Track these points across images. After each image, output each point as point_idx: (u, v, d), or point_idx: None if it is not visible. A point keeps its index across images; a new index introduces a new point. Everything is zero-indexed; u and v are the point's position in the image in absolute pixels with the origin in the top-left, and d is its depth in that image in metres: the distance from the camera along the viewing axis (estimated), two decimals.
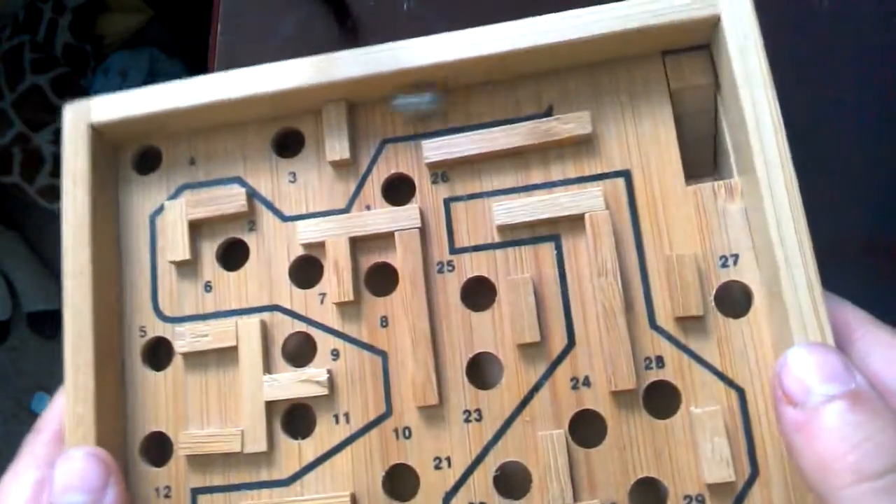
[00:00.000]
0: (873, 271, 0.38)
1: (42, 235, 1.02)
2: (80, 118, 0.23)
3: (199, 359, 0.23)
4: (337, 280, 0.22)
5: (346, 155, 0.23)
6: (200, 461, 0.22)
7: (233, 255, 0.24)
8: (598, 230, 0.21)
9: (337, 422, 0.22)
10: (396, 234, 0.22)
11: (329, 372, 0.22)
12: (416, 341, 0.22)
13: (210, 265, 0.23)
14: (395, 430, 0.22)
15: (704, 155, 0.23)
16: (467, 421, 0.21)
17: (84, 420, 0.21)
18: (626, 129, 0.22)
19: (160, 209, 0.24)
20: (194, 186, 0.24)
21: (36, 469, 0.21)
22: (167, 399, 0.23)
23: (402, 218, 0.22)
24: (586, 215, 0.21)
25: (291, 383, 0.22)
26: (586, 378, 0.21)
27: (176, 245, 0.23)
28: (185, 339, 0.23)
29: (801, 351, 0.18)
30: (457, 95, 0.23)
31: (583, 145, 0.22)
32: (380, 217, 0.22)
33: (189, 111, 0.23)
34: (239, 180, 0.24)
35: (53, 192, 0.95)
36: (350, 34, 0.37)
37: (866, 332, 0.19)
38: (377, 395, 0.22)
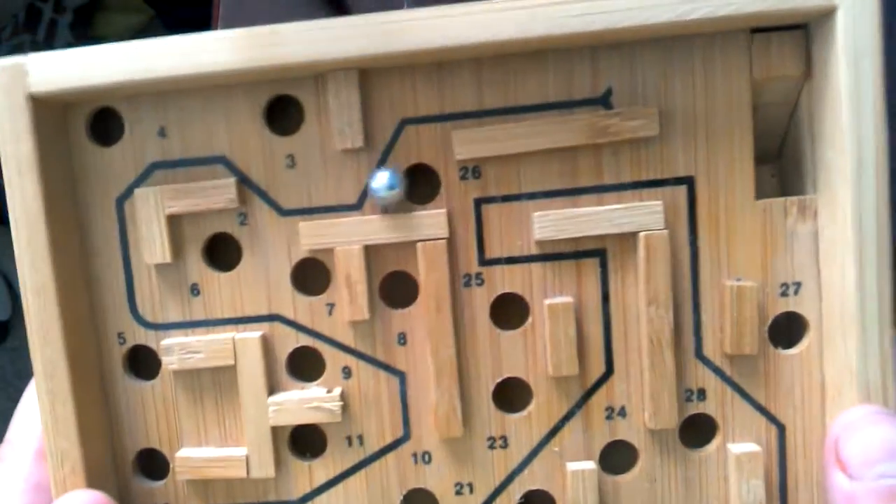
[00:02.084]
0: None
1: None
2: (15, 86, 0.18)
3: (190, 374, 0.21)
4: (349, 295, 0.20)
5: (359, 143, 0.19)
6: (199, 484, 0.21)
7: (222, 253, 0.21)
8: (653, 253, 0.19)
9: (350, 444, 0.20)
10: (419, 245, 0.19)
11: (342, 394, 0.20)
12: (439, 369, 0.20)
13: (196, 265, 0.20)
14: (414, 455, 0.20)
15: (767, 147, 0.20)
16: (492, 447, 0.20)
17: (69, 454, 0.19)
18: (697, 128, 0.19)
19: (128, 193, 0.20)
20: (168, 166, 0.20)
21: (22, 494, 0.19)
22: (157, 414, 0.21)
23: (427, 225, 0.19)
24: (641, 235, 0.19)
25: (300, 409, 0.20)
26: (622, 408, 0.20)
27: (154, 244, 0.20)
28: (173, 354, 0.20)
29: (867, 419, 0.17)
30: (495, 68, 0.19)
31: (644, 143, 0.19)
32: (400, 221, 0.19)
33: (156, 82, 0.19)
34: (223, 161, 0.20)
35: None
36: None
37: None
38: (394, 418, 0.20)
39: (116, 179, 0.20)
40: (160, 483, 0.21)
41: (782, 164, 0.20)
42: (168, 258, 0.20)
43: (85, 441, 0.19)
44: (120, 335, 0.20)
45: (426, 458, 0.20)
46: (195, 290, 0.20)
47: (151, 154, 0.20)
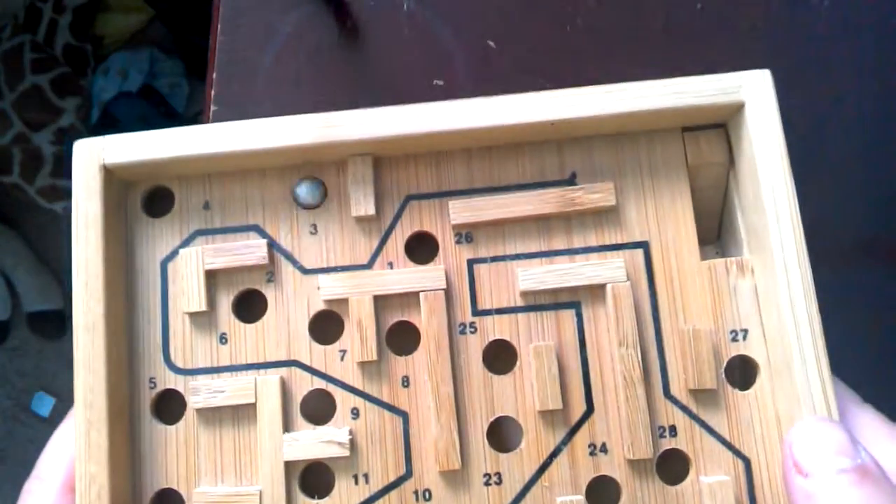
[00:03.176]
0: (873, 271, 0.38)
1: (42, 235, 1.02)
2: (92, 158, 0.22)
3: (213, 414, 0.22)
4: (360, 338, 0.22)
5: (372, 211, 0.23)
6: None
7: (249, 306, 0.23)
8: (619, 301, 0.22)
9: (356, 482, 0.22)
10: (422, 294, 0.22)
11: (350, 432, 0.22)
12: (440, 405, 0.22)
13: (226, 316, 0.23)
14: (416, 492, 0.22)
15: (709, 228, 0.24)
16: (487, 484, 0.22)
17: (97, 478, 0.21)
18: (646, 202, 0.23)
19: (173, 255, 0.23)
20: (209, 233, 0.23)
21: None
22: (178, 454, 0.22)
23: (428, 279, 0.22)
24: (608, 286, 0.22)
25: (313, 443, 0.22)
26: (603, 445, 0.22)
27: (192, 295, 0.23)
28: (200, 394, 0.22)
29: (814, 424, 0.19)
30: (482, 157, 0.23)
31: (605, 214, 0.23)
32: (405, 276, 0.22)
33: (206, 156, 0.22)
34: (257, 228, 0.23)
35: (53, 192, 0.95)
36: (350, 34, 0.37)
37: (852, 412, 0.21)
38: (397, 456, 0.22)
39: (164, 245, 0.23)
40: None
41: (722, 241, 0.24)
42: (203, 307, 0.22)
43: (113, 472, 0.21)
44: (151, 380, 0.22)
45: (427, 495, 0.22)
46: (223, 338, 0.23)
47: (196, 223, 0.23)
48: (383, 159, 0.23)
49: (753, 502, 0.21)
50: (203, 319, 0.23)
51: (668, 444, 0.22)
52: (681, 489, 0.21)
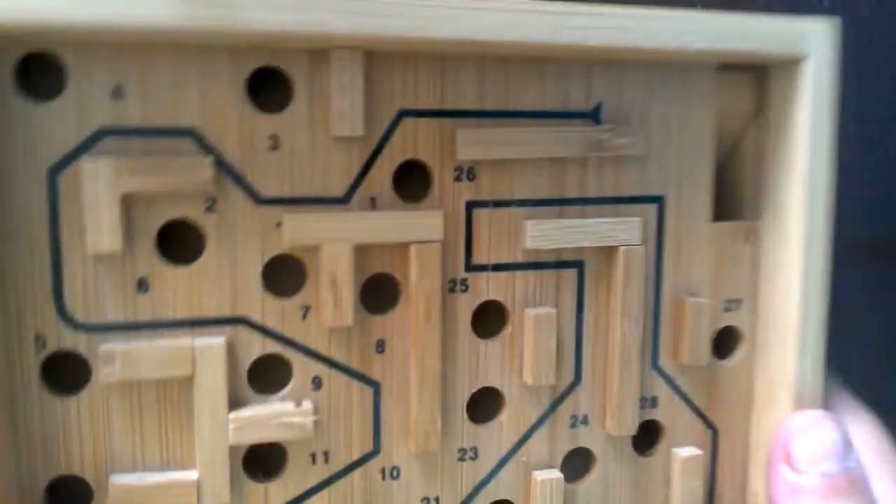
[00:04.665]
0: (873, 271, 0.38)
1: None
2: None
3: (132, 386, 0.17)
4: (333, 300, 0.17)
5: (359, 131, 0.17)
6: None
7: (179, 243, 0.17)
8: (631, 268, 0.19)
9: (314, 462, 0.18)
10: (413, 248, 0.18)
11: (315, 410, 0.18)
12: (423, 380, 0.18)
13: (147, 255, 0.17)
14: (382, 470, 0.19)
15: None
16: (462, 460, 0.19)
17: None
18: (669, 150, 0.20)
19: (67, 162, 0.16)
20: (121, 133, 0.16)
21: None
22: (82, 434, 0.17)
23: (423, 226, 0.18)
24: (620, 249, 0.19)
25: (267, 425, 0.17)
26: (585, 417, 0.20)
27: (98, 229, 0.16)
28: (115, 364, 0.16)
29: (813, 420, 0.19)
30: (497, 70, 0.19)
31: (626, 161, 0.20)
32: (393, 221, 0.18)
33: (123, 26, 0.15)
34: (192, 133, 0.17)
35: None
36: None
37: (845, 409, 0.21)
38: (364, 431, 0.19)
39: (52, 144, 0.16)
40: None
41: (715, 190, 0.22)
42: (117, 246, 0.16)
43: None
44: (39, 338, 0.16)
45: (394, 472, 0.19)
46: (143, 285, 0.17)
47: (101, 117, 0.16)
48: (376, 57, 0.17)
49: (713, 473, 0.21)
50: (113, 260, 0.17)
51: (648, 414, 0.21)
52: (652, 460, 0.21)
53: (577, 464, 0.20)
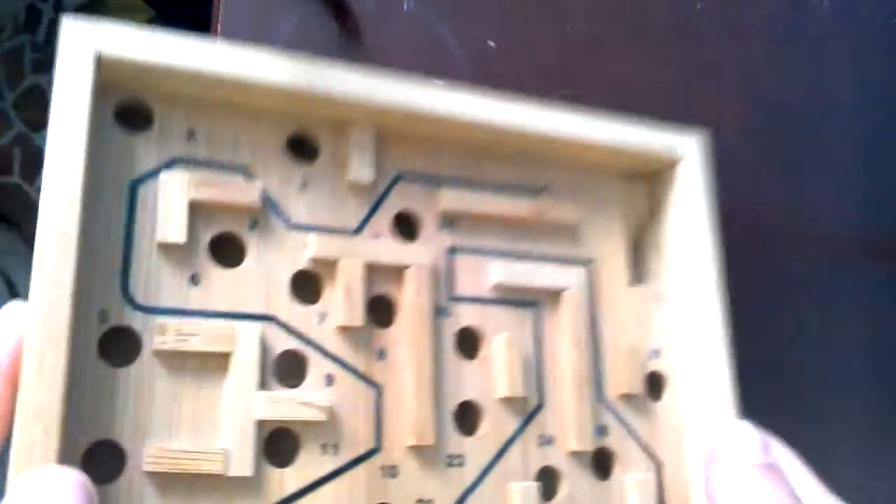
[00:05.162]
0: (873, 271, 0.38)
1: None
2: (86, 42, 0.19)
3: (176, 360, 0.19)
4: (348, 303, 0.21)
5: (370, 177, 0.22)
6: (162, 482, 0.19)
7: (224, 251, 0.21)
8: (575, 305, 0.24)
9: (324, 452, 0.20)
10: (411, 268, 0.22)
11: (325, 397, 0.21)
12: (419, 379, 0.21)
13: (201, 255, 0.20)
14: (382, 468, 0.21)
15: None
16: (451, 465, 0.22)
17: (47, 411, 0.17)
18: (593, 227, 0.26)
19: (147, 177, 0.20)
20: (191, 163, 0.21)
21: None
22: (126, 403, 0.19)
23: (418, 254, 0.22)
24: (566, 290, 0.24)
25: (291, 403, 0.20)
26: (551, 437, 0.23)
27: (171, 224, 0.20)
28: (167, 334, 0.19)
29: (735, 424, 0.22)
30: (470, 150, 0.24)
31: (565, 230, 0.25)
32: (396, 248, 0.22)
33: (205, 74, 0.20)
34: (244, 170, 0.21)
35: None
36: (350, 34, 0.37)
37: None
38: (368, 429, 0.21)
39: (136, 165, 0.20)
40: (109, 486, 0.18)
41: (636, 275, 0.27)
42: (183, 238, 0.20)
43: (64, 408, 0.17)
44: (102, 312, 0.19)
45: (393, 471, 0.21)
46: (195, 279, 0.20)
47: (176, 150, 0.20)
48: (383, 134, 0.23)
49: (662, 501, 0.24)
50: (175, 254, 0.20)
51: (600, 442, 0.24)
52: (608, 484, 0.23)
53: (548, 485, 0.23)
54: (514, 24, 0.37)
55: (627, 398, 0.24)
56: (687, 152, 0.26)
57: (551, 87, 0.35)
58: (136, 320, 0.19)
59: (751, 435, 0.21)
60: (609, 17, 0.37)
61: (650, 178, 0.27)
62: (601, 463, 0.24)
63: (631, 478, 0.24)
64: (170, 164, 0.20)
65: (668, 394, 0.25)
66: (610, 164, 0.26)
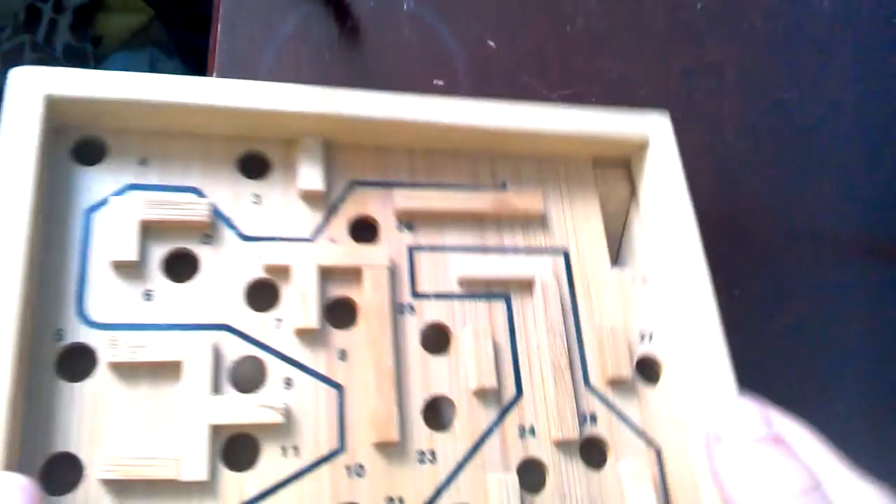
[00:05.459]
0: (873, 271, 0.38)
1: None
2: (33, 86, 0.21)
3: (129, 371, 0.20)
4: (302, 307, 0.21)
5: (320, 186, 0.23)
6: (118, 490, 0.19)
7: (180, 268, 0.22)
8: (547, 293, 0.24)
9: (285, 454, 0.20)
10: (366, 269, 0.22)
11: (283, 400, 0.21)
12: (380, 376, 0.21)
13: (154, 272, 0.21)
14: (348, 468, 0.21)
15: (611, 251, 0.27)
16: (422, 462, 0.21)
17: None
18: (565, 215, 0.25)
19: (101, 204, 0.21)
20: (143, 188, 0.22)
21: None
22: (81, 415, 0.19)
23: (373, 256, 0.23)
24: (537, 278, 0.24)
25: (244, 407, 0.20)
26: (532, 427, 0.23)
27: (122, 244, 0.21)
28: (117, 348, 0.20)
29: (733, 401, 0.22)
30: (422, 156, 0.25)
31: (532, 220, 0.25)
32: (349, 251, 0.23)
33: (152, 106, 0.22)
34: (195, 191, 0.22)
35: None
36: (350, 34, 0.37)
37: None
38: (331, 430, 0.21)
39: (91, 194, 0.21)
40: (65, 497, 0.19)
41: (620, 262, 0.27)
42: (134, 256, 0.21)
43: (9, 428, 0.18)
44: (58, 332, 0.20)
45: (359, 470, 0.21)
46: (149, 295, 0.21)
47: (129, 177, 0.22)
48: (332, 144, 0.24)
49: (665, 488, 0.23)
50: (128, 273, 0.21)
51: (588, 431, 0.23)
52: (603, 474, 0.23)
53: (533, 477, 0.22)
54: (514, 24, 0.37)
55: (616, 384, 0.24)
56: (654, 132, 0.25)
57: (551, 87, 0.35)
58: (91, 337, 0.20)
59: (751, 410, 0.21)
60: (609, 17, 0.37)
61: (626, 162, 0.27)
62: (592, 453, 0.23)
63: (626, 466, 0.23)
64: (122, 190, 0.22)
65: (663, 378, 0.24)
66: (578, 153, 0.26)
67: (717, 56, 0.38)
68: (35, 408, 0.19)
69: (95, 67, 0.98)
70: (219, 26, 0.36)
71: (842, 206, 0.38)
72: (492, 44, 0.36)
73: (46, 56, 0.95)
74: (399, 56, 0.36)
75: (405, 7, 0.36)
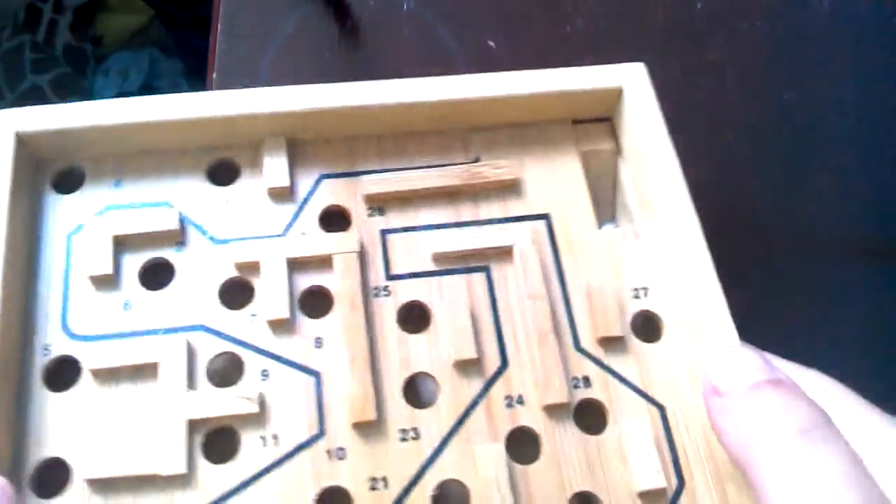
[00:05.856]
0: (873, 271, 0.38)
1: None
2: (3, 126, 0.23)
3: (111, 377, 0.21)
4: (271, 297, 0.22)
5: (286, 182, 0.23)
6: (104, 487, 0.20)
7: (157, 277, 0.23)
8: (526, 259, 0.23)
9: (265, 444, 0.21)
10: (335, 256, 0.23)
11: (259, 394, 0.21)
12: (354, 358, 0.22)
13: (131, 284, 0.22)
14: (328, 451, 0.21)
15: (605, 212, 0.27)
16: (404, 440, 0.21)
17: None
18: (545, 180, 0.25)
19: (80, 227, 0.23)
20: (119, 208, 0.23)
21: None
22: (68, 422, 0.21)
23: (342, 243, 0.23)
24: (515, 246, 0.23)
25: (219, 400, 0.21)
26: (520, 397, 0.22)
27: (96, 259, 0.22)
28: (99, 356, 0.21)
29: (727, 350, 0.20)
30: (391, 141, 0.25)
31: (508, 189, 0.25)
32: (319, 241, 0.23)
33: (120, 130, 0.23)
34: (167, 203, 0.23)
35: None
36: (350, 34, 0.37)
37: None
38: (310, 416, 0.21)
39: (71, 220, 0.23)
40: (55, 500, 0.20)
41: (617, 220, 0.26)
42: (109, 270, 0.22)
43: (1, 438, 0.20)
44: (46, 347, 0.21)
45: (340, 453, 0.21)
46: (127, 305, 0.22)
47: (106, 200, 0.23)
48: (297, 142, 0.24)
49: (673, 447, 0.22)
50: (106, 285, 0.22)
51: (583, 394, 0.22)
52: (601, 438, 0.22)
53: (527, 447, 0.22)
54: (514, 24, 0.37)
55: (610, 343, 0.23)
56: (629, 81, 0.25)
57: None
58: (74, 349, 0.21)
59: (748, 357, 0.19)
60: (609, 17, 0.37)
61: (608, 118, 0.26)
62: (590, 418, 0.22)
63: (627, 427, 0.22)
64: (100, 212, 0.23)
65: (664, 334, 0.23)
66: (555, 114, 0.26)
67: (717, 56, 0.38)
68: (24, 419, 0.21)
69: (95, 67, 0.98)
70: (219, 26, 0.36)
71: (842, 206, 0.38)
72: (492, 44, 0.36)
73: (46, 56, 0.95)
74: (399, 56, 0.36)
75: (405, 7, 0.36)
